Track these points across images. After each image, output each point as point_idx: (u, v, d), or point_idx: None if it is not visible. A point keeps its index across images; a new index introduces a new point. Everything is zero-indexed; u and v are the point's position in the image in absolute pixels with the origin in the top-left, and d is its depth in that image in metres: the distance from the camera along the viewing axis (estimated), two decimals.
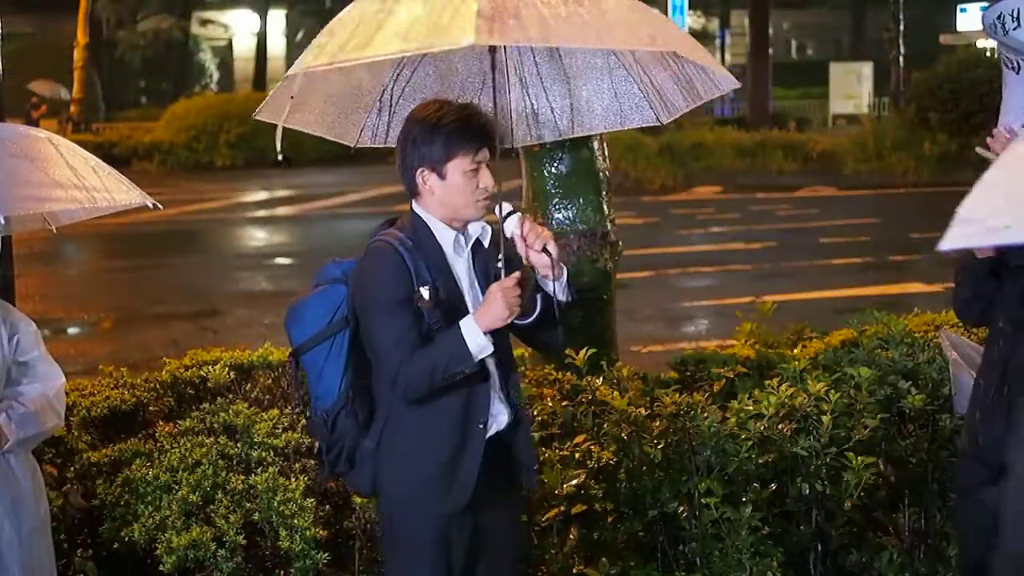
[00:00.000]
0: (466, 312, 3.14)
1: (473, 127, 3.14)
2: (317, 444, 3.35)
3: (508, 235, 3.14)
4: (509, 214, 3.14)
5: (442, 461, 3.19)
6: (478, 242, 3.25)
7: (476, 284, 3.23)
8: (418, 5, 2.90)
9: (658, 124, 3.53)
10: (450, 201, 3.17)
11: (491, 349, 3.09)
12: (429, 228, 3.19)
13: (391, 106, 3.53)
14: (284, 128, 3.21)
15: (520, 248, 3.13)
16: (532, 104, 3.60)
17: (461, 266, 3.22)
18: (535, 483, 3.52)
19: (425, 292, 3.09)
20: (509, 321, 3.08)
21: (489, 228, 3.24)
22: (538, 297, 3.17)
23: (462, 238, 3.22)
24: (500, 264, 3.13)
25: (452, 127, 3.11)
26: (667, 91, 3.47)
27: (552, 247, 3.11)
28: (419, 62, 3.50)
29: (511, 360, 3.31)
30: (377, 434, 3.23)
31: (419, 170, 3.16)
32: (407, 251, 3.13)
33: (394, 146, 3.31)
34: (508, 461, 3.31)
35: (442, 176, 3.14)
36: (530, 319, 3.16)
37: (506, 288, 3.06)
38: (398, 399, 3.16)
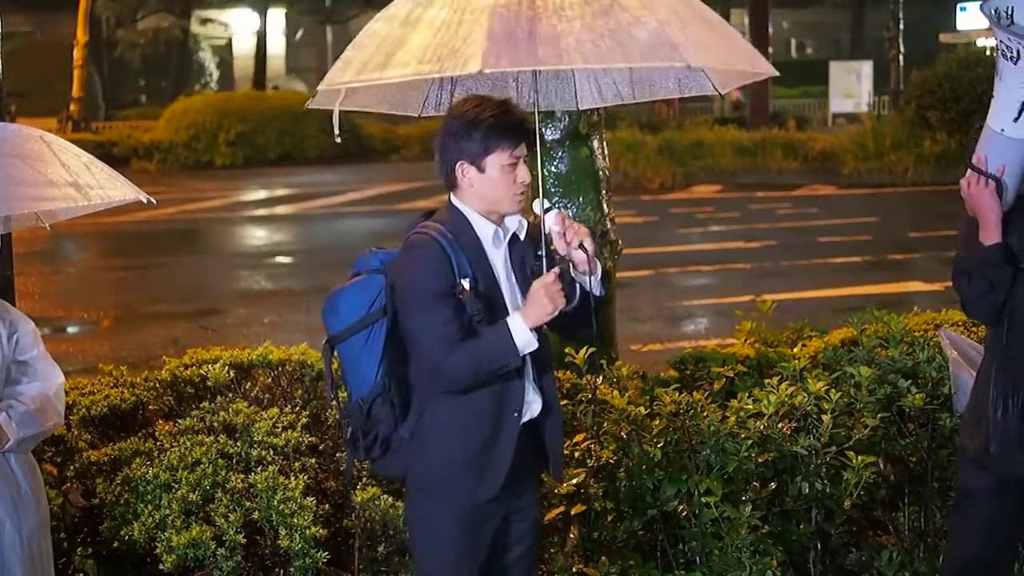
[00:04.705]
0: (503, 304, 3.22)
1: (510, 123, 3.20)
2: (351, 430, 3.34)
3: (547, 231, 3.21)
4: (548, 210, 3.22)
5: (474, 450, 3.23)
6: (515, 235, 3.30)
7: (512, 277, 3.29)
8: (435, 27, 3.05)
9: (716, 93, 3.61)
10: (488, 194, 3.23)
11: (535, 345, 3.16)
12: (468, 221, 3.25)
13: (452, 78, 3.62)
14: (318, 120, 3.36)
15: (558, 244, 3.20)
16: (592, 70, 3.68)
17: (498, 259, 3.28)
18: (561, 476, 3.58)
19: (466, 284, 3.14)
20: (553, 315, 3.14)
21: (525, 222, 3.31)
22: (578, 289, 3.23)
23: (500, 231, 3.27)
24: (542, 259, 3.21)
25: (490, 122, 3.17)
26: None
27: (588, 244, 3.19)
28: None
29: (548, 353, 3.35)
30: (413, 423, 3.27)
31: (458, 163, 3.22)
32: (448, 243, 3.18)
33: None
34: (536, 453, 3.37)
35: (481, 170, 3.20)
36: (570, 307, 3.20)
37: (548, 284, 3.13)
38: (435, 389, 3.20)
